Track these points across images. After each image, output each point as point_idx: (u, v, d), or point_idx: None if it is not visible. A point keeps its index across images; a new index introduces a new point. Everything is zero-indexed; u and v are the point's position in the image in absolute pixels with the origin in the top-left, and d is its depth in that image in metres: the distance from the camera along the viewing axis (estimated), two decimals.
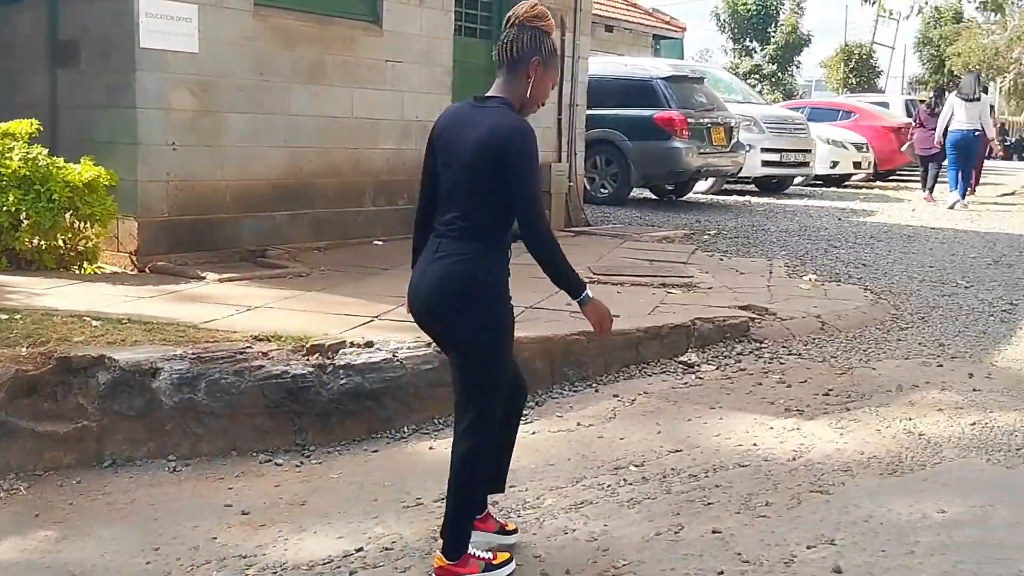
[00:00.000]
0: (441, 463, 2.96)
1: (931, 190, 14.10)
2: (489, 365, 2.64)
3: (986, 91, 14.51)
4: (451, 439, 2.73)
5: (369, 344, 4.17)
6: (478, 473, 2.70)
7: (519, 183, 2.55)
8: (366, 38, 7.40)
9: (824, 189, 16.00)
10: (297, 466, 3.61)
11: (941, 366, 4.85)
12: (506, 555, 2.77)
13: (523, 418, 3.18)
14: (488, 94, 2.67)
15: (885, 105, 21.65)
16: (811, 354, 5.15)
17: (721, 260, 7.78)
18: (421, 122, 7.53)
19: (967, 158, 13.19)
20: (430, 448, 3.80)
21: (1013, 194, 15.98)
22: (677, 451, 3.73)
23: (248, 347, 3.98)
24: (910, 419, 4.06)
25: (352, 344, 4.15)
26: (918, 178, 20.29)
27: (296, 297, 5.35)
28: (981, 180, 16.09)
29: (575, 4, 9.37)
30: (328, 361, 3.97)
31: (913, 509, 3.17)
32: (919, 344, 5.38)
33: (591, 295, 2.65)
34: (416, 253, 2.77)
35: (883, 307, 6.18)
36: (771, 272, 7.23)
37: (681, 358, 5.04)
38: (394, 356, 4.11)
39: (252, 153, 6.64)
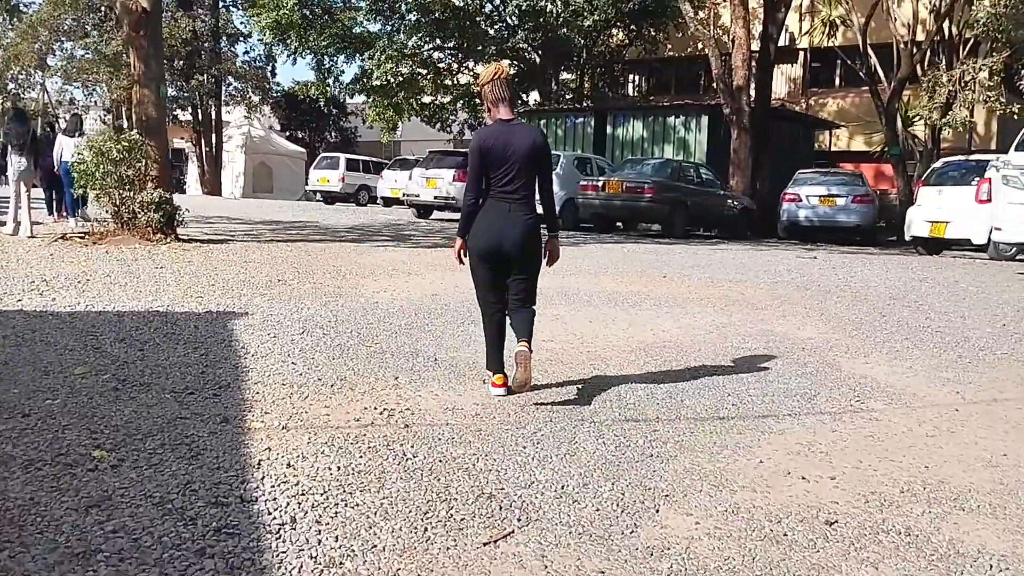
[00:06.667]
0: None
1: (59, 212, 15.22)
2: (537, 275, 4.94)
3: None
4: None
5: None
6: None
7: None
8: None
9: None
10: None
11: None
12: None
13: None
14: (508, 118, 4.75)
15: None
16: None
17: None
18: None
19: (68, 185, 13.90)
20: None
21: (64, 238, 12.15)
22: None
23: None
24: None
25: None
26: None
27: None
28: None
29: None
30: None
31: None
32: None
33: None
34: (470, 218, 4.78)
35: None
36: None
37: None
38: None
39: None
